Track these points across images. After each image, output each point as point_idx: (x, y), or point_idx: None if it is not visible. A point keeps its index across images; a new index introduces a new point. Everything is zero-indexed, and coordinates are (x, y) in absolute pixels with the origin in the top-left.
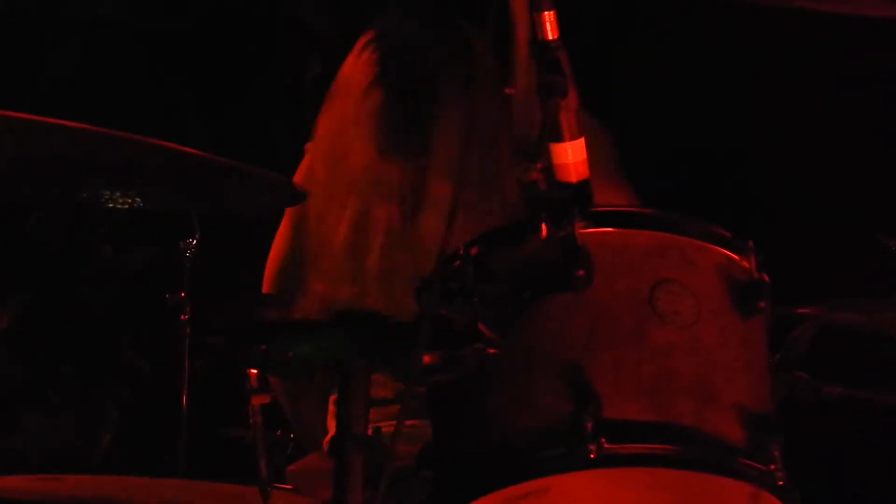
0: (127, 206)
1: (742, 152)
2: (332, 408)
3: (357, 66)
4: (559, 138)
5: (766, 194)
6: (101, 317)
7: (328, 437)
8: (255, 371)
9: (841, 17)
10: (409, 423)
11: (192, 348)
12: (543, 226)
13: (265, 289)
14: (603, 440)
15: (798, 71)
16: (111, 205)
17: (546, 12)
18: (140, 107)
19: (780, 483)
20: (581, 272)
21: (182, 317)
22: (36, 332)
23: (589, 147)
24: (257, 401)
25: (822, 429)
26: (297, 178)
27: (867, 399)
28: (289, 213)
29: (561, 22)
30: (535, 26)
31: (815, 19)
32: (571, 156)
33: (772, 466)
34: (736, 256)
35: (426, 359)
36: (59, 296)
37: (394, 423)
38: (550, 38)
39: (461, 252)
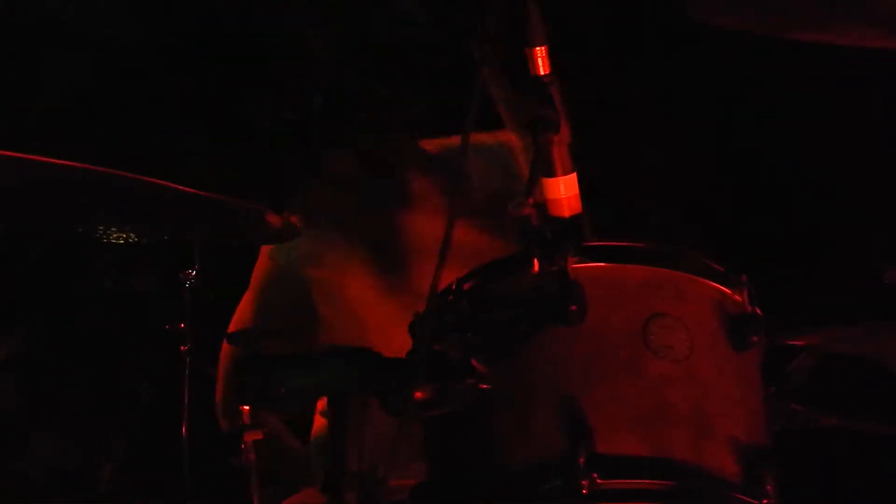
0: (122, 241)
1: (738, 182)
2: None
3: None
4: (552, 173)
5: (762, 224)
6: (104, 344)
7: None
8: (247, 407)
9: (839, 47)
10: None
11: (193, 378)
12: (536, 261)
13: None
14: (595, 475)
15: (793, 98)
16: (106, 240)
17: (538, 48)
18: (142, 141)
19: None
20: (574, 307)
21: (182, 347)
22: (39, 360)
23: None
24: (250, 437)
25: (818, 459)
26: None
27: (863, 430)
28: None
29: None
30: (528, 61)
31: (812, 48)
32: (564, 190)
33: (765, 501)
34: (728, 290)
35: (419, 394)
36: (62, 324)
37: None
38: (542, 73)
39: (454, 287)
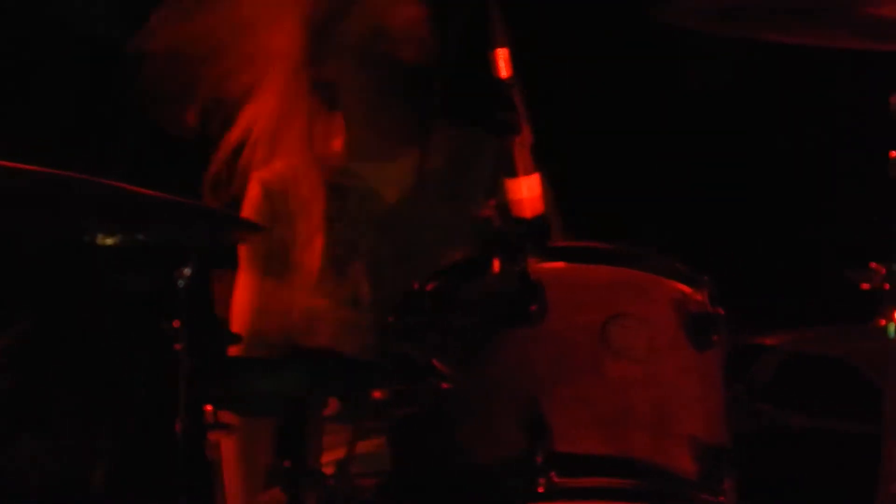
0: (109, 244)
1: (709, 184)
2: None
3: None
4: (513, 174)
5: (733, 225)
6: (98, 342)
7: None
8: (210, 407)
9: (808, 49)
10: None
11: (188, 377)
12: (496, 261)
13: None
14: (553, 474)
15: (762, 101)
16: (92, 242)
17: (499, 49)
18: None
19: None
20: (534, 307)
21: (176, 346)
22: (33, 358)
23: None
24: (214, 437)
25: (779, 457)
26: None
27: (829, 429)
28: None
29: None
30: (490, 64)
31: (779, 50)
32: (526, 191)
33: (721, 498)
34: (689, 290)
35: (377, 395)
36: (54, 323)
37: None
38: (504, 75)
39: (418, 287)
